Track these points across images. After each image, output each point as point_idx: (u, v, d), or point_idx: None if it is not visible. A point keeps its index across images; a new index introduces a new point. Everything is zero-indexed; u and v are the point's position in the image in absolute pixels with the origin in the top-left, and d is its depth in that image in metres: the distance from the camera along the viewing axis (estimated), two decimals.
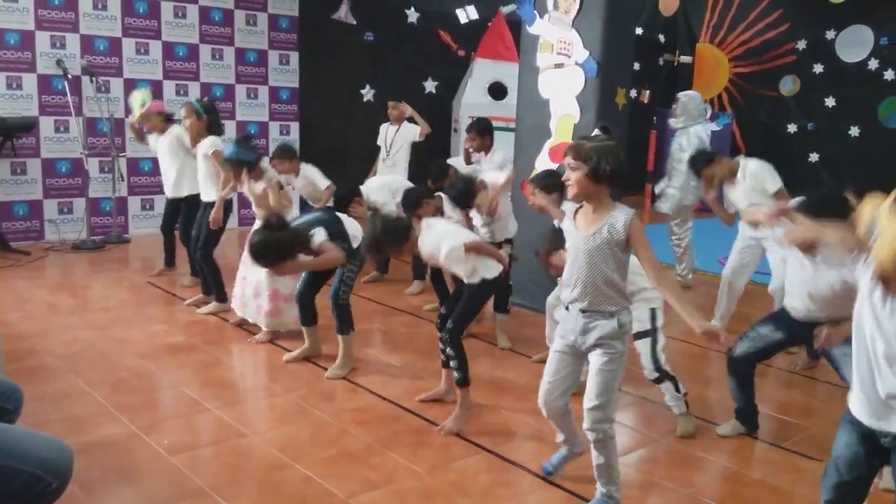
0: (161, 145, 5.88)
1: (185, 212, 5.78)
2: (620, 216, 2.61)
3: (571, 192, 2.68)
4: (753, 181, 4.71)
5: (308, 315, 4.42)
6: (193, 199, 5.62)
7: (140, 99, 5.98)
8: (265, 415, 3.72)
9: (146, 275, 6.32)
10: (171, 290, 5.92)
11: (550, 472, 3.14)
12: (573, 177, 2.63)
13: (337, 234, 4.10)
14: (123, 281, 6.23)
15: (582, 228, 2.69)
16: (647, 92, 12.05)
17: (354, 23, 9.36)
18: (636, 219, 2.63)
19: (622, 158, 2.62)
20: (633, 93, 11.49)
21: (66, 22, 7.29)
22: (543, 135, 5.49)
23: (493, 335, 4.94)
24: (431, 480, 3.10)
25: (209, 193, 5.35)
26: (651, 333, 3.52)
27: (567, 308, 2.77)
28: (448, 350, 3.64)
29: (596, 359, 2.73)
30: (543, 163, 5.49)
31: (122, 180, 7.74)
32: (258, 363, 4.43)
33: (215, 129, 5.40)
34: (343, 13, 9.28)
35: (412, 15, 9.72)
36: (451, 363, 3.64)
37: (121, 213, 7.84)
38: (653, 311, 3.51)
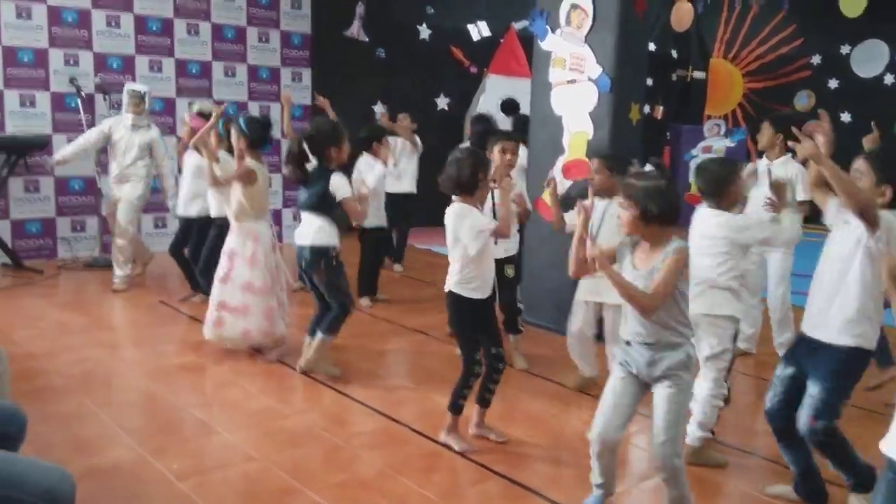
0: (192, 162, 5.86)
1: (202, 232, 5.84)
2: (669, 250, 2.61)
3: (623, 231, 2.73)
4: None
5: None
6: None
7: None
8: (275, 437, 3.65)
9: (158, 293, 6.29)
10: (182, 309, 5.88)
11: None
12: (623, 217, 2.68)
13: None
14: (135, 299, 6.20)
15: (639, 266, 2.70)
16: (661, 108, 11.96)
17: (367, 40, 9.37)
18: (678, 251, 2.61)
19: (672, 198, 2.64)
20: (647, 108, 11.43)
21: (79, 39, 7.32)
22: (557, 151, 5.43)
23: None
24: None
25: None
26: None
27: (628, 343, 2.73)
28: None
29: (663, 391, 2.68)
30: (557, 179, 5.42)
31: None
32: (268, 384, 4.36)
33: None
34: (355, 30, 9.30)
35: (424, 31, 9.72)
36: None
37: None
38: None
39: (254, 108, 8.35)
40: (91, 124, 7.28)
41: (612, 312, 4.01)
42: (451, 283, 3.47)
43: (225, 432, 3.65)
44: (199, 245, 5.76)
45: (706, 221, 3.38)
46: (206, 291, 5.71)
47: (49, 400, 4.00)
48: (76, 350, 4.81)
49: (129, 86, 6.49)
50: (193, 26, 7.99)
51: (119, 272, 6.33)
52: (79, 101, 7.13)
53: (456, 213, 3.39)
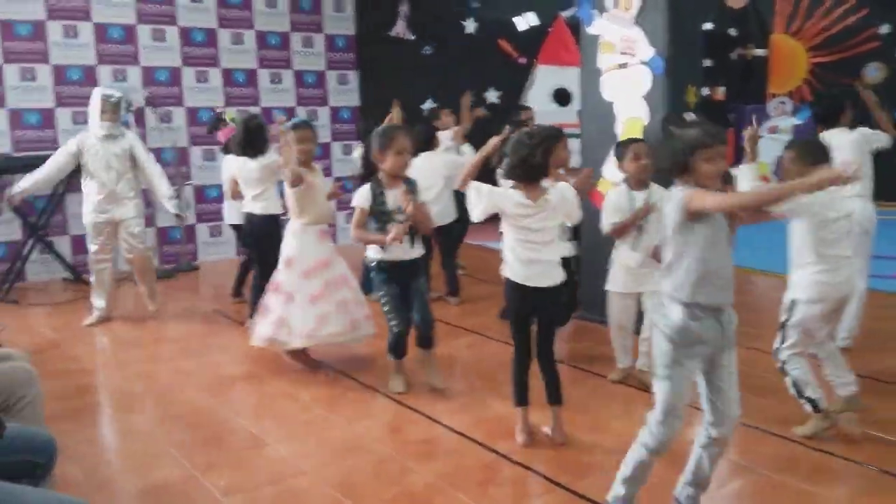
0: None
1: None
2: None
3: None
4: None
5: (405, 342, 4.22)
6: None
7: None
8: (325, 449, 3.52)
9: (215, 303, 6.27)
10: (238, 318, 5.83)
11: None
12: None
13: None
14: (191, 310, 6.21)
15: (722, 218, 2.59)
16: (721, 89, 11.54)
17: (412, 37, 9.25)
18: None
19: (673, 151, 2.57)
20: (706, 90, 11.03)
21: (126, 55, 7.38)
22: (609, 140, 5.18)
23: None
24: None
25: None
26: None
27: (719, 310, 2.56)
28: None
29: (733, 356, 2.61)
30: (611, 169, 5.19)
31: (188, 208, 7.76)
32: (321, 393, 4.25)
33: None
34: (400, 29, 9.18)
35: (470, 25, 9.54)
36: None
37: (190, 240, 7.87)
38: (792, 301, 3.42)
39: (301, 114, 8.31)
40: (142, 138, 7.35)
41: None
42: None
43: (274, 445, 3.55)
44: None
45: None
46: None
47: (101, 417, 3.98)
48: (131, 364, 4.80)
49: (102, 90, 5.64)
50: (238, 35, 7.98)
51: (152, 306, 5.90)
52: (128, 115, 7.18)
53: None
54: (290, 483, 3.18)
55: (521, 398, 3.51)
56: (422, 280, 4.15)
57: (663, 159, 2.66)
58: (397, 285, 4.05)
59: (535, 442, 3.48)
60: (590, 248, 5.27)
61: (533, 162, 3.26)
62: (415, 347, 4.20)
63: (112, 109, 5.50)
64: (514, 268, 3.39)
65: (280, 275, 4.44)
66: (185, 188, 7.66)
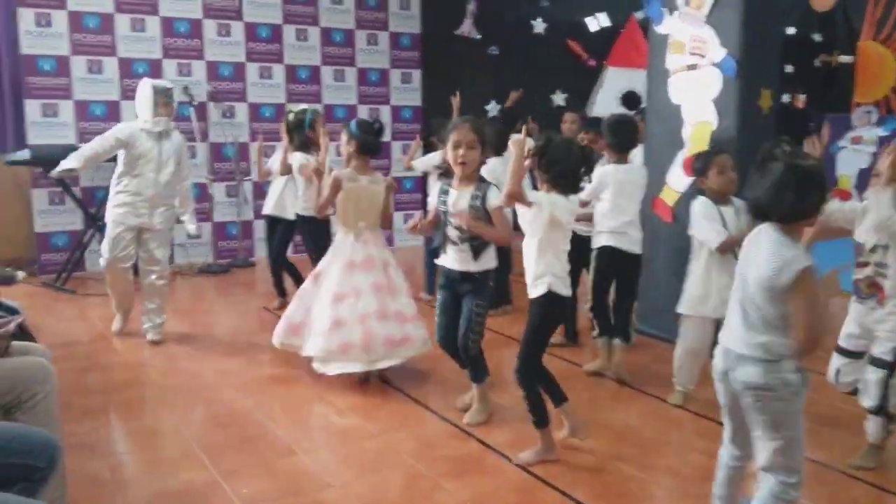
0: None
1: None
2: None
3: None
4: None
5: (461, 360, 3.84)
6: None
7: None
8: (355, 460, 3.37)
9: (267, 299, 6.21)
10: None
11: None
12: None
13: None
14: (240, 306, 6.17)
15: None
16: (802, 96, 10.99)
17: (479, 37, 9.07)
18: None
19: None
20: (787, 97, 10.53)
21: (192, 49, 7.42)
22: (676, 145, 4.90)
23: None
24: None
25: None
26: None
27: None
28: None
29: None
30: (676, 176, 4.91)
31: (247, 204, 7.77)
32: (357, 400, 4.09)
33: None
34: (467, 28, 9.02)
35: (539, 26, 9.30)
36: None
37: (246, 236, 7.87)
38: None
39: (363, 112, 8.22)
40: (204, 133, 7.39)
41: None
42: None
43: (303, 453, 3.41)
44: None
45: None
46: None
47: (134, 414, 3.92)
48: (175, 360, 4.75)
49: (154, 82, 5.05)
50: (302, 31, 7.95)
51: (157, 319, 5.09)
52: (191, 109, 7.22)
53: None
54: (314, 496, 3.03)
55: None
56: (475, 301, 3.62)
57: (779, 195, 2.24)
58: (448, 295, 3.73)
59: (577, 466, 3.26)
60: (650, 259, 4.99)
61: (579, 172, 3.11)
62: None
63: (168, 103, 4.99)
64: (565, 282, 3.24)
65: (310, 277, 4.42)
66: (244, 184, 7.65)
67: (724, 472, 2.55)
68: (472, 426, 3.69)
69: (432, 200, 3.77)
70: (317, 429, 3.74)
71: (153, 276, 5.03)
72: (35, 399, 2.43)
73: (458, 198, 3.54)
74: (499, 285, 4.96)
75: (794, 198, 2.20)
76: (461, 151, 3.46)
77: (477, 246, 3.57)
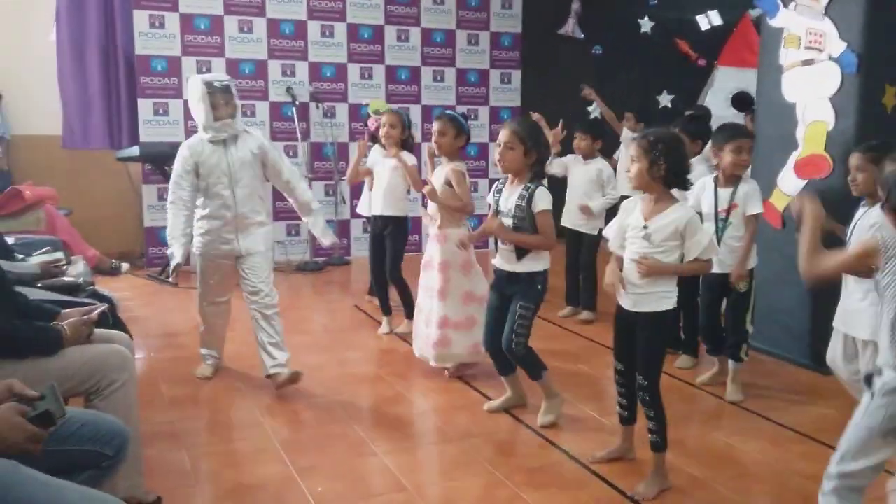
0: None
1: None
2: None
3: None
4: None
5: (502, 364, 3.76)
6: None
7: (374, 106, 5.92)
8: (432, 464, 3.29)
9: (357, 299, 6.22)
10: (377, 315, 5.73)
11: None
12: None
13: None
14: (333, 304, 6.21)
15: None
16: None
17: (582, 37, 8.86)
18: None
19: None
20: None
21: (296, 50, 7.54)
22: (789, 145, 4.59)
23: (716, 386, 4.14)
24: None
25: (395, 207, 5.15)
26: None
27: None
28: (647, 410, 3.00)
29: None
30: (788, 178, 4.59)
31: (344, 203, 7.84)
32: (439, 402, 4.01)
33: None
34: (570, 27, 8.82)
35: (646, 25, 8.98)
36: (650, 424, 2.99)
37: (343, 235, 7.94)
38: None
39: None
40: (305, 132, 7.50)
41: (869, 350, 3.04)
42: None
43: (381, 454, 3.34)
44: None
45: None
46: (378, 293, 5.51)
47: (221, 405, 3.96)
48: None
49: (203, 77, 4.01)
50: (404, 32, 7.96)
51: (281, 355, 4.12)
52: (294, 109, 7.35)
53: None
54: (387, 498, 2.96)
55: None
56: (521, 303, 3.49)
57: None
58: (497, 296, 3.64)
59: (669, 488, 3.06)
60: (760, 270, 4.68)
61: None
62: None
63: (225, 101, 3.93)
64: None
65: None
66: (341, 183, 7.72)
67: None
68: (546, 427, 3.59)
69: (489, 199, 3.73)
70: (396, 430, 3.66)
71: (255, 307, 4.10)
72: (113, 387, 2.46)
73: (509, 196, 3.51)
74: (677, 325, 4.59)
75: None
76: (499, 150, 3.50)
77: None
